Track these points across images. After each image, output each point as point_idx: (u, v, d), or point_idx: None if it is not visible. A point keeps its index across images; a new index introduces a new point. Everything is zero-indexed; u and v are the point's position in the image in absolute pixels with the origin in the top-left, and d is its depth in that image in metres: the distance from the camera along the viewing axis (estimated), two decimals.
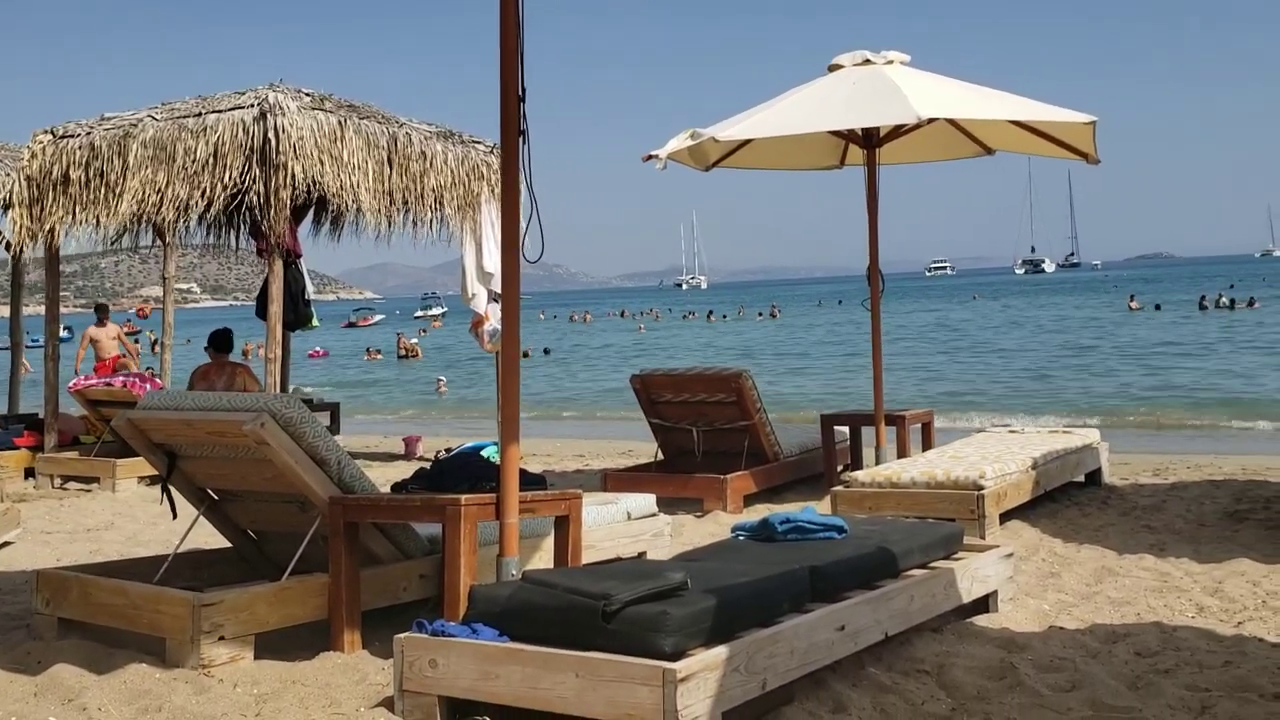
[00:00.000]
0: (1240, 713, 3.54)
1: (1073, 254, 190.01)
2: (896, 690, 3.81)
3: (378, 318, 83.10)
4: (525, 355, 36.25)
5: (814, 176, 9.78)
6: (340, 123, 9.44)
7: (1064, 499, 7.64)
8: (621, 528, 5.65)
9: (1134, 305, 47.65)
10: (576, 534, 4.49)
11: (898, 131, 8.15)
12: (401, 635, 3.53)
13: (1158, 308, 46.50)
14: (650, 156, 7.75)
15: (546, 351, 37.42)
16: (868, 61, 7.76)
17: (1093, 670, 4.00)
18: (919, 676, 3.98)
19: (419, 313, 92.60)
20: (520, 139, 4.23)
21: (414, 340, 43.18)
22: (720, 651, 3.21)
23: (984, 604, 4.89)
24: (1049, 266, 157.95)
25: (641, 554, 5.64)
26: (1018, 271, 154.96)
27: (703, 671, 3.11)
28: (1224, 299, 45.83)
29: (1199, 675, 3.94)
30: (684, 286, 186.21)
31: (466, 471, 4.38)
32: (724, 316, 64.69)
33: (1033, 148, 8.44)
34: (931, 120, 6.92)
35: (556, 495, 4.46)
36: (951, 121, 8.40)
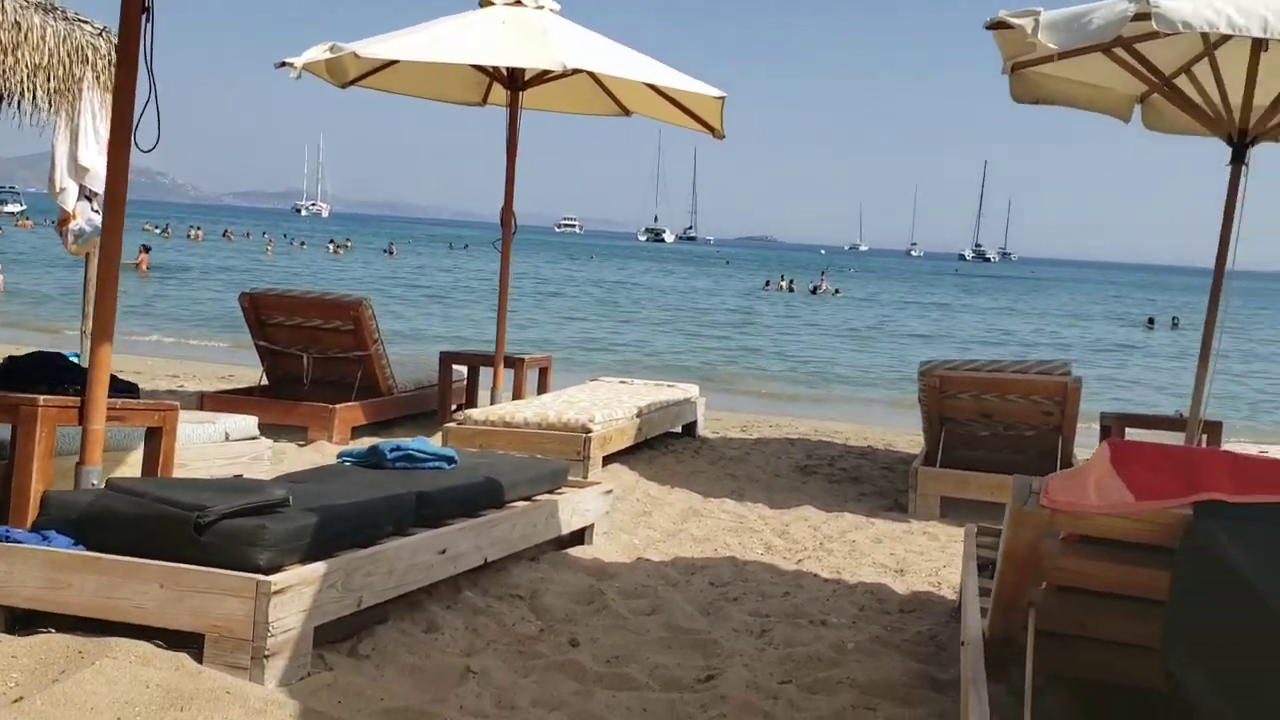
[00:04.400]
0: (794, 635, 3.96)
1: (691, 227, 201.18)
2: (489, 612, 3.93)
3: None
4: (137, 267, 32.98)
5: (449, 116, 9.71)
6: None
7: (662, 446, 8.15)
8: (216, 448, 5.38)
9: (784, 285, 50.41)
10: (169, 447, 4.21)
11: (543, 77, 8.26)
12: None
13: (767, 284, 50.40)
14: (284, 63, 7.36)
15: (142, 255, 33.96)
16: (519, 3, 7.78)
17: (672, 597, 4.33)
18: (512, 600, 4.12)
19: None
20: (144, 16, 3.87)
21: None
22: (317, 567, 3.15)
23: (581, 537, 5.14)
24: (669, 237, 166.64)
25: (237, 477, 5.40)
26: (640, 238, 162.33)
27: (298, 585, 3.04)
28: (816, 285, 50.00)
29: (761, 603, 4.37)
30: (303, 212, 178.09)
31: (47, 370, 3.97)
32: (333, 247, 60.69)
33: (666, 114, 8.84)
34: (576, 71, 7.05)
35: (151, 405, 4.16)
36: (594, 77, 8.63)
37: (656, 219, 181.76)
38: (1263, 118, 6.45)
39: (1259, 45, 6.32)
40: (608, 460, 7.13)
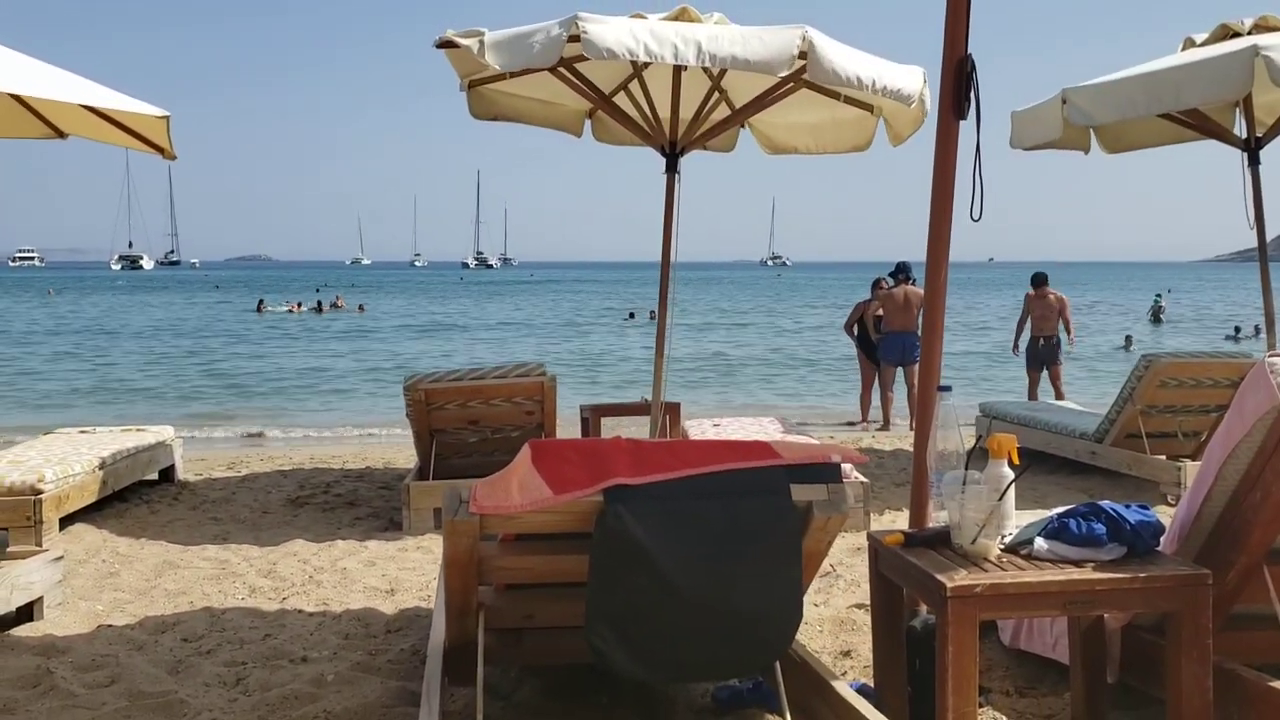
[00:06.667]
0: (271, 679, 3.79)
1: (173, 251, 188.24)
2: None
3: None
4: None
5: None
6: None
7: (135, 498, 7.51)
8: None
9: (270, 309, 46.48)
10: None
11: None
12: None
13: (259, 307, 47.00)
14: None
15: None
16: None
17: (134, 662, 3.98)
18: None
19: None
20: None
21: None
22: None
23: (29, 612, 4.58)
24: (148, 264, 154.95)
25: None
26: (114, 267, 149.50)
27: None
28: (317, 305, 47.17)
29: (239, 651, 4.15)
30: None
31: None
32: None
33: (108, 136, 8.09)
34: None
35: None
36: (18, 98, 7.74)
37: (131, 244, 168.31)
38: (688, 130, 7.20)
39: (679, 68, 7.05)
40: (68, 521, 6.44)
